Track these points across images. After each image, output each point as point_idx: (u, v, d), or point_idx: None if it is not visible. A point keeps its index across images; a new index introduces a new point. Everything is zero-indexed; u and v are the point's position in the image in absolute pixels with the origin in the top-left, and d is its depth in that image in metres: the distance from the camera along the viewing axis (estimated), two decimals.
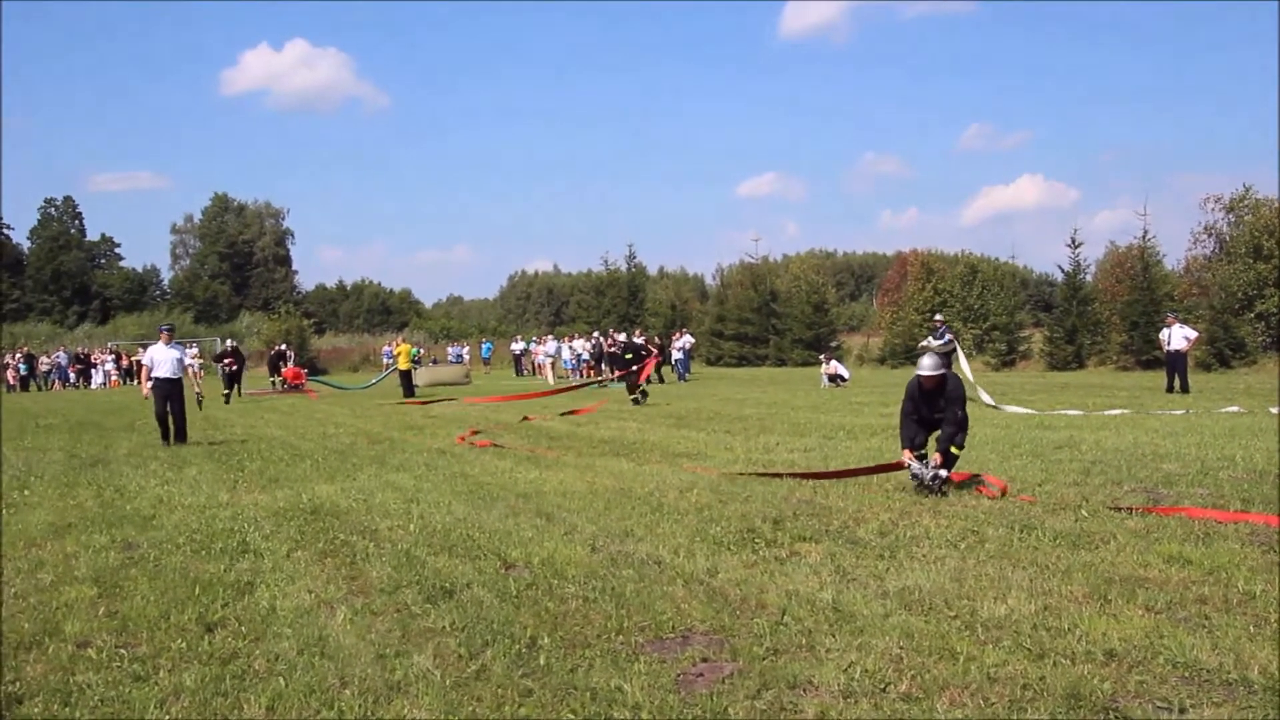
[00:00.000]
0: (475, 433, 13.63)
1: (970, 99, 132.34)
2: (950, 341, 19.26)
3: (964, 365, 19.08)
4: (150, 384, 13.13)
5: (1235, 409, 14.20)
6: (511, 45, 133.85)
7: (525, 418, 16.06)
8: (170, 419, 13.16)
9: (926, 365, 7.83)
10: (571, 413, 16.69)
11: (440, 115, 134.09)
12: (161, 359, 13.03)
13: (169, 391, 13.07)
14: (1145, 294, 30.05)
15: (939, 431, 7.76)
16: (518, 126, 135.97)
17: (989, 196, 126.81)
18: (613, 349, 19.85)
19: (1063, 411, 14.62)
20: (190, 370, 13.51)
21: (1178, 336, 18.69)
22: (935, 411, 7.80)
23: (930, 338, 20.40)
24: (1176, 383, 18.30)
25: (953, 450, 7.60)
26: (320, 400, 24.53)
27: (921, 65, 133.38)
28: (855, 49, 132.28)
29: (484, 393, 25.00)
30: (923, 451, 7.82)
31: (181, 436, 13.26)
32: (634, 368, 19.49)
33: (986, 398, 16.78)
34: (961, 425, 7.67)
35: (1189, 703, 3.38)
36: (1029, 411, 14.79)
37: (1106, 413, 14.18)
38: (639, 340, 22.36)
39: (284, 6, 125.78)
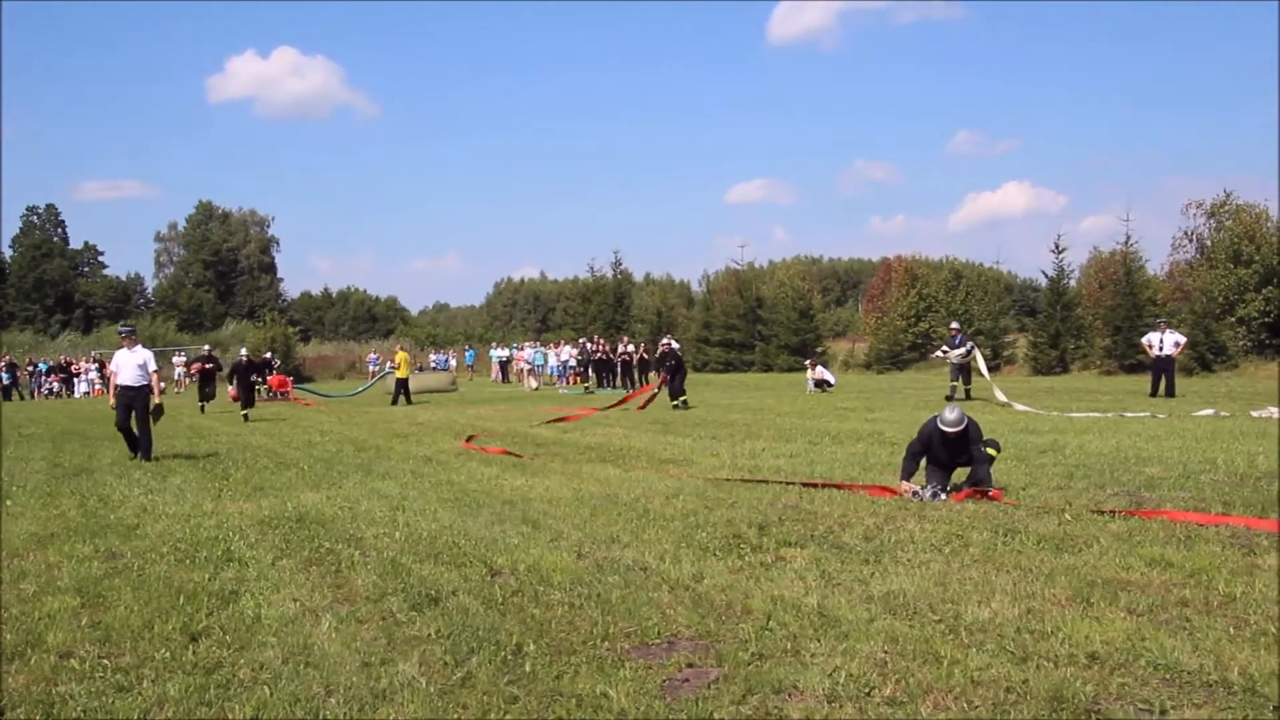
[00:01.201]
0: (472, 438, 13.63)
1: (960, 105, 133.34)
2: (971, 349, 19.60)
3: (983, 367, 19.65)
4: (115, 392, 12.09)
5: (1209, 412, 14.34)
6: (500, 54, 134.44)
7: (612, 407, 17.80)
8: (133, 430, 12.08)
9: (950, 420, 7.48)
10: (559, 420, 16.69)
11: (429, 123, 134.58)
12: (122, 364, 12.02)
13: (130, 400, 11.97)
14: (1128, 299, 30.31)
15: (965, 471, 7.68)
16: (505, 134, 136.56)
17: (977, 202, 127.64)
18: (666, 353, 20.61)
19: (1091, 414, 14.71)
20: (155, 376, 12.38)
21: (1169, 342, 19.04)
22: (957, 457, 7.63)
23: (945, 346, 20.52)
24: (1162, 386, 18.52)
25: (990, 451, 7.59)
26: (307, 408, 24.41)
27: (911, 71, 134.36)
28: (845, 54, 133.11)
29: (474, 401, 24.93)
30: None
31: (146, 452, 12.01)
32: (679, 374, 19.76)
33: (1000, 395, 17.25)
34: (987, 459, 7.57)
35: (1170, 705, 3.41)
36: (1041, 412, 14.90)
37: (1133, 415, 14.39)
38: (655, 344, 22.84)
39: (269, 11, 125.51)
